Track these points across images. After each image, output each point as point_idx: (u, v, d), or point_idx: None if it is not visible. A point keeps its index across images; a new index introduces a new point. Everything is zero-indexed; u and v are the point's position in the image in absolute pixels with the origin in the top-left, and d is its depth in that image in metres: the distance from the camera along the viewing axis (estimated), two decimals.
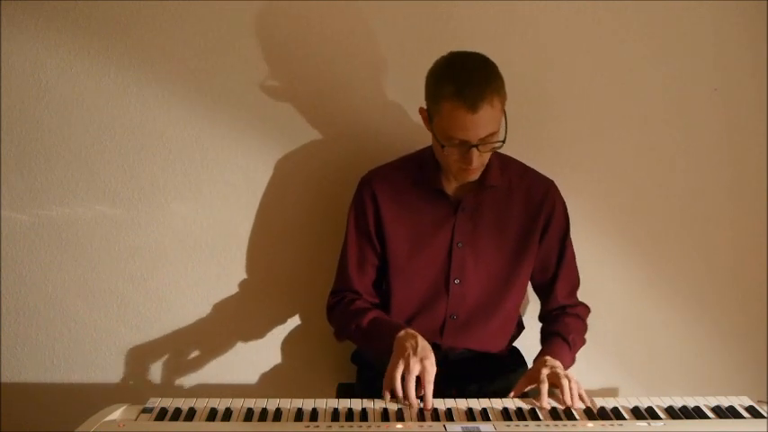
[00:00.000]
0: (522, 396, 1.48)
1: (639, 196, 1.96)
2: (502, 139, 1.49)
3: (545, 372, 1.46)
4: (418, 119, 1.61)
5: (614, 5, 1.85)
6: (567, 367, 1.55)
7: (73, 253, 1.87)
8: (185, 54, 1.80)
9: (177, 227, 1.88)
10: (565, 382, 1.42)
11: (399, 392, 1.38)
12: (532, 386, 1.49)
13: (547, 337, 1.68)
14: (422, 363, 1.40)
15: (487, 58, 1.50)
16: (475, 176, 1.56)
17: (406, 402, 1.38)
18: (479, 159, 1.50)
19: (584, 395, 1.43)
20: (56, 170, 1.83)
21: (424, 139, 1.63)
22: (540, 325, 1.74)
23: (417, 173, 1.66)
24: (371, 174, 1.70)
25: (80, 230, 1.86)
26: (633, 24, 1.87)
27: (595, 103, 1.91)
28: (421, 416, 1.36)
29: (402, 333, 1.48)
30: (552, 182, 1.70)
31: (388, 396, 1.40)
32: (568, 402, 1.40)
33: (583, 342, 1.69)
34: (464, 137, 1.46)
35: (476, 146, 1.46)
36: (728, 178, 1.97)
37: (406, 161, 1.71)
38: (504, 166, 1.67)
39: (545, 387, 1.42)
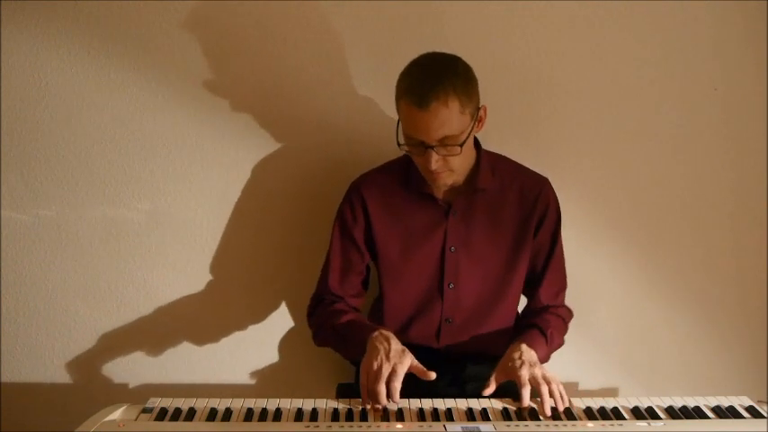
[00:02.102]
0: (502, 395, 1.44)
1: (639, 196, 1.96)
2: (461, 143, 1.43)
3: (525, 373, 1.40)
4: None
5: (613, 5, 1.85)
6: (541, 362, 1.50)
7: (73, 253, 1.87)
8: (185, 54, 1.79)
9: (177, 227, 1.88)
10: (544, 389, 1.38)
11: (381, 398, 1.36)
12: (507, 380, 1.45)
13: (524, 328, 1.62)
14: (393, 367, 1.37)
15: (456, 59, 1.47)
16: (447, 180, 1.53)
17: (377, 406, 1.36)
18: (439, 163, 1.46)
19: (564, 395, 1.40)
20: (56, 170, 1.83)
21: None
22: None
23: (406, 177, 1.63)
24: (360, 179, 1.68)
25: (80, 230, 1.86)
26: (633, 24, 1.87)
27: (595, 104, 1.91)
28: (421, 416, 1.35)
29: (375, 334, 1.45)
30: (546, 180, 1.67)
31: (368, 403, 1.38)
32: (548, 412, 1.36)
33: (561, 342, 1.65)
34: (417, 135, 1.43)
35: (431, 147, 1.43)
36: (728, 178, 1.97)
37: (394, 165, 1.68)
38: (495, 166, 1.64)
39: (527, 391, 1.39)
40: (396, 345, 1.42)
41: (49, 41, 1.76)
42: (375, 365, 1.38)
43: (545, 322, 1.61)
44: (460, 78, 1.43)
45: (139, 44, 1.78)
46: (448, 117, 1.40)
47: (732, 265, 2.01)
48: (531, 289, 1.69)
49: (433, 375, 1.40)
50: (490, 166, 1.62)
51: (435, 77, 1.40)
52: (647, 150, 1.94)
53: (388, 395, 1.36)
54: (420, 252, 1.63)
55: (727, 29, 1.89)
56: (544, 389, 1.38)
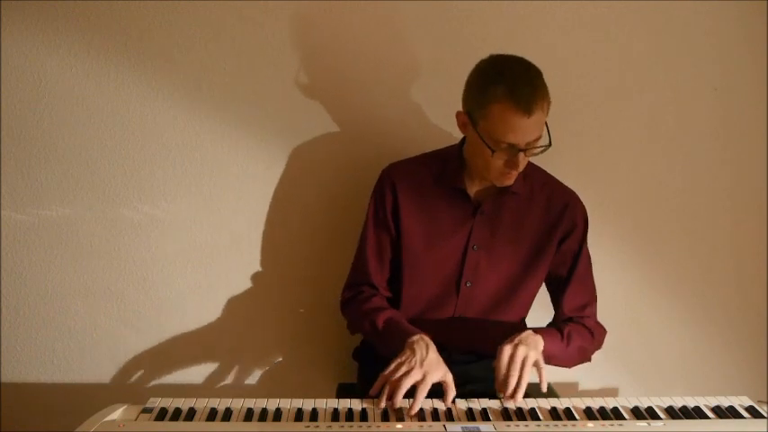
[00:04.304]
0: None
1: (639, 196, 1.96)
2: (547, 143, 1.47)
3: (507, 348, 1.41)
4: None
5: (614, 5, 1.85)
6: (552, 356, 1.50)
7: (73, 253, 1.87)
8: (185, 54, 1.80)
9: (177, 227, 1.88)
10: (514, 373, 1.38)
11: (387, 391, 1.37)
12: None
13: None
14: (424, 375, 1.38)
15: (530, 63, 1.47)
16: (512, 181, 1.55)
17: (388, 403, 1.37)
18: (523, 163, 1.49)
19: (522, 389, 1.39)
20: (56, 170, 1.83)
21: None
22: None
23: (440, 171, 1.64)
24: (393, 166, 1.68)
25: (80, 230, 1.86)
26: (633, 24, 1.87)
27: (594, 104, 1.91)
28: (421, 416, 1.35)
29: (416, 338, 1.46)
30: (574, 194, 1.67)
31: (376, 392, 1.39)
32: (505, 402, 1.38)
33: (582, 346, 1.62)
34: (514, 140, 1.43)
35: (523, 150, 1.45)
36: (728, 178, 1.97)
37: (429, 158, 1.69)
38: (527, 172, 1.64)
39: (499, 363, 1.39)
40: (433, 354, 1.43)
41: (49, 41, 1.76)
42: (407, 366, 1.39)
43: (564, 324, 1.62)
44: (543, 81, 1.46)
45: (139, 44, 1.78)
46: (541, 120, 1.45)
47: (732, 265, 2.01)
48: (555, 303, 1.70)
49: (452, 396, 1.39)
50: (523, 171, 1.62)
51: (533, 83, 1.43)
52: (646, 150, 1.94)
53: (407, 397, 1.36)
54: (443, 247, 1.63)
55: (728, 29, 1.89)
56: (514, 373, 1.39)
